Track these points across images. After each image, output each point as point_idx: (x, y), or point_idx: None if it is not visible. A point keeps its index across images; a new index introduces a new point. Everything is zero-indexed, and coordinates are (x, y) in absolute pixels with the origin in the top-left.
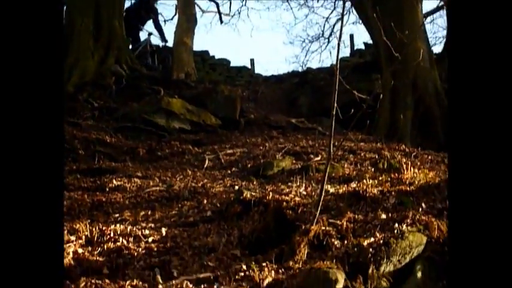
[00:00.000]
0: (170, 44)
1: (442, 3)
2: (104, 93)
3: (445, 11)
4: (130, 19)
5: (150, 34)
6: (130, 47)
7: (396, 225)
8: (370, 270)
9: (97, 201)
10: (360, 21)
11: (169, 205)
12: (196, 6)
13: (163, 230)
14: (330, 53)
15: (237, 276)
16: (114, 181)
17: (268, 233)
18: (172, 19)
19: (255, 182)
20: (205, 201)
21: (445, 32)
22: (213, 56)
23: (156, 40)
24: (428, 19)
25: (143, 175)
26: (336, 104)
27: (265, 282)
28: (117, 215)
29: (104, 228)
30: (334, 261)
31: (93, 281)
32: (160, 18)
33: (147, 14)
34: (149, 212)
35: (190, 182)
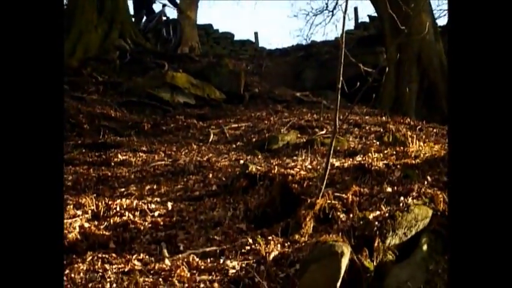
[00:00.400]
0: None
1: None
2: (108, 67)
3: None
4: None
5: (164, 6)
6: (144, 19)
7: (402, 198)
8: (375, 243)
9: (102, 176)
10: None
11: (174, 179)
12: None
13: (169, 204)
14: (335, 26)
15: (243, 250)
16: (120, 155)
17: (274, 207)
18: None
19: (260, 156)
20: (210, 176)
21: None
22: (217, 30)
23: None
24: None
25: (148, 149)
26: (341, 78)
27: (271, 255)
28: (122, 190)
29: (109, 202)
30: (340, 234)
31: (99, 255)
32: None
33: None
34: (155, 186)
35: (195, 156)
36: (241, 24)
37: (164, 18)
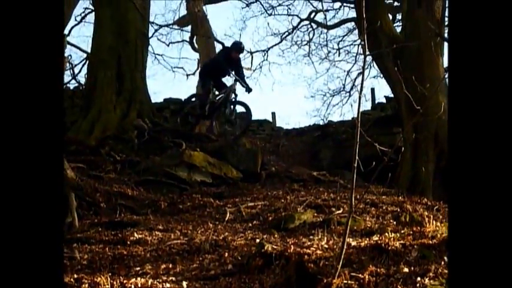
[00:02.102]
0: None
1: None
2: (126, 146)
3: None
4: (212, 69)
5: (236, 81)
6: (216, 93)
7: (418, 278)
8: None
9: (118, 255)
10: (381, 75)
11: (190, 258)
12: None
13: (185, 284)
14: (351, 106)
15: None
16: (136, 234)
17: (290, 286)
18: (194, 74)
19: (276, 235)
20: (226, 254)
21: None
22: (235, 110)
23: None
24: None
25: (164, 228)
26: (357, 157)
27: None
28: (138, 268)
29: (125, 281)
30: None
31: None
32: (182, 72)
33: (228, 64)
34: (170, 265)
35: (211, 234)
36: (259, 104)
37: (233, 96)
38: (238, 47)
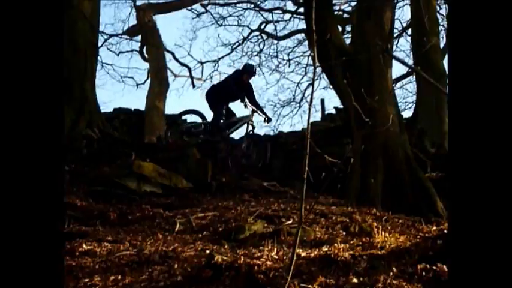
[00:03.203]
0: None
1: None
2: (75, 156)
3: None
4: (222, 93)
5: (253, 112)
6: (218, 120)
7: None
8: None
9: (66, 266)
10: (331, 86)
11: (139, 269)
12: (168, 70)
13: None
14: (301, 117)
15: None
16: (84, 245)
17: None
18: (144, 83)
19: (226, 246)
20: (176, 266)
21: (414, 97)
22: (185, 120)
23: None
24: (398, 84)
25: (113, 239)
26: (307, 168)
27: None
28: (86, 280)
29: None
30: None
31: None
32: (131, 82)
33: (240, 89)
34: (119, 277)
35: (161, 245)
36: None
37: (250, 128)
38: (249, 70)
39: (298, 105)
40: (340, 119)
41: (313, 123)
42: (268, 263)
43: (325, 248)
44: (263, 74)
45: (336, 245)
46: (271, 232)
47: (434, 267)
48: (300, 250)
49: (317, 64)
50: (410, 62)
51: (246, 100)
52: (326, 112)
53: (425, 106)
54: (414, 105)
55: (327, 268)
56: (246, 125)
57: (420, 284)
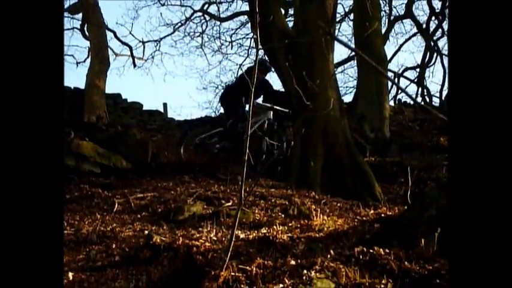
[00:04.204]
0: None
1: (352, 53)
2: None
3: (355, 62)
4: (233, 96)
5: (270, 108)
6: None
7: (305, 271)
8: None
9: None
10: (273, 70)
11: (77, 249)
12: (109, 49)
13: (70, 275)
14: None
15: None
16: None
17: (178, 278)
18: (84, 61)
19: (165, 227)
20: (113, 246)
21: (355, 82)
22: (126, 99)
23: None
24: (339, 69)
25: None
26: (247, 150)
27: None
28: None
29: None
30: None
31: None
32: (71, 60)
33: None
34: None
35: (99, 225)
36: (150, 94)
37: (266, 127)
38: (262, 67)
39: None
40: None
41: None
42: (207, 244)
43: (264, 230)
44: (205, 55)
45: (274, 227)
46: (211, 213)
47: (371, 250)
48: (239, 232)
49: (259, 46)
50: (352, 46)
51: (254, 101)
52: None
53: (366, 91)
54: (355, 90)
55: (265, 250)
56: (264, 124)
57: (357, 266)
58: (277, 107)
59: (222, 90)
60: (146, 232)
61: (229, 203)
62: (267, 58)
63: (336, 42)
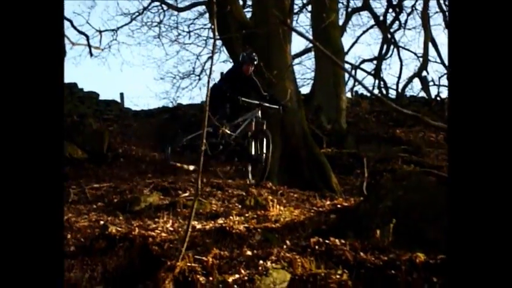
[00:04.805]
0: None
1: (310, 45)
2: None
3: (313, 53)
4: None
5: (258, 105)
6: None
7: (261, 262)
8: None
9: None
10: (231, 60)
11: None
12: (65, 38)
13: None
14: (201, 89)
15: None
16: None
17: (133, 269)
18: None
19: (121, 217)
20: (69, 236)
21: (312, 74)
22: (82, 89)
23: None
24: (297, 60)
25: None
26: (204, 141)
27: None
28: None
29: None
30: None
31: None
32: None
33: (243, 84)
34: None
35: None
36: (107, 84)
37: (254, 128)
38: (247, 59)
39: (198, 77)
40: None
41: None
42: (163, 234)
43: (220, 221)
44: (163, 45)
45: (231, 217)
46: (167, 204)
47: (327, 241)
48: (196, 222)
49: (217, 36)
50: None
51: (242, 98)
52: None
53: (323, 83)
54: (312, 81)
55: (222, 240)
56: (252, 123)
57: (313, 257)
58: (267, 104)
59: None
60: (102, 222)
61: (186, 194)
62: (224, 48)
63: (293, 34)
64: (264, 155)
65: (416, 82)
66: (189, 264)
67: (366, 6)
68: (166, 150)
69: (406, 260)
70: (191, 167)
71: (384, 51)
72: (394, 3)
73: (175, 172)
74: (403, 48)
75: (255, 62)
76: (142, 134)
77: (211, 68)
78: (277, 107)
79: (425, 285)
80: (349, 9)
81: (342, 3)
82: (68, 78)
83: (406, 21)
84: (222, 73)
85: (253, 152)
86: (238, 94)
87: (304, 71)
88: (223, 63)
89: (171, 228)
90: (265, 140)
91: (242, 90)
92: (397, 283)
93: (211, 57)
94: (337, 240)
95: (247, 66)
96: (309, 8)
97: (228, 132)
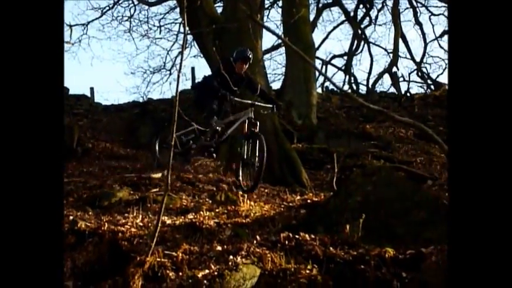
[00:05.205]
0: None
1: (280, 41)
2: None
3: (283, 48)
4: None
5: (252, 105)
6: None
7: (231, 257)
8: None
9: None
10: (201, 55)
11: None
12: None
13: None
14: (171, 84)
15: None
16: None
17: (103, 264)
18: None
19: (90, 213)
20: None
21: (283, 69)
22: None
23: None
24: (268, 56)
25: None
26: (174, 135)
27: None
28: None
29: None
30: None
31: None
32: None
33: (234, 83)
34: None
35: None
36: (77, 79)
37: (247, 129)
38: (240, 56)
39: (168, 72)
40: None
41: (183, 92)
42: (133, 230)
43: (190, 216)
44: (133, 39)
45: (201, 213)
46: (137, 199)
47: (297, 236)
48: (166, 217)
49: (188, 31)
50: (281, 33)
51: (231, 97)
52: (196, 80)
53: (294, 78)
54: (283, 77)
55: (192, 236)
56: (244, 124)
57: (283, 252)
58: (260, 103)
59: (199, 80)
60: (71, 218)
61: (156, 189)
62: (195, 43)
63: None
64: (257, 158)
65: (387, 78)
66: (158, 259)
67: (337, 1)
68: (153, 147)
69: (375, 255)
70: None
71: (354, 46)
72: None
73: (145, 167)
74: (374, 44)
75: (250, 60)
76: (113, 129)
77: (181, 63)
78: (270, 106)
79: (394, 280)
80: (320, 5)
81: None
82: None
83: (376, 17)
84: (217, 68)
85: (245, 155)
86: (230, 92)
87: (275, 66)
88: (194, 58)
89: (141, 224)
90: (258, 142)
91: (234, 89)
92: (366, 278)
93: (181, 52)
94: (307, 235)
95: (240, 65)
96: (280, 3)
97: (219, 130)
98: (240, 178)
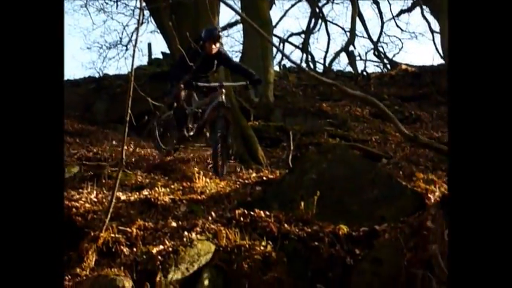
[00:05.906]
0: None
1: (238, 17)
2: None
3: (241, 25)
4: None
5: (222, 87)
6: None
7: (186, 233)
8: (157, 278)
9: None
10: (158, 30)
11: None
12: None
13: None
14: (126, 59)
15: None
16: None
17: None
18: None
19: None
20: None
21: (241, 47)
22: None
23: None
24: (225, 32)
25: None
26: (129, 111)
27: None
28: None
29: None
30: (122, 268)
31: None
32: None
33: (205, 65)
34: None
35: None
36: None
37: (215, 102)
38: (206, 35)
39: (125, 48)
40: (167, 64)
41: (139, 67)
42: (87, 205)
43: (145, 192)
44: (89, 14)
45: (156, 189)
46: (92, 175)
47: (252, 213)
48: (120, 193)
49: (144, 6)
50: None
51: (195, 83)
52: (153, 56)
53: (251, 55)
54: (240, 54)
55: (147, 211)
56: (214, 106)
57: (237, 228)
58: (231, 83)
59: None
60: None
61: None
62: (152, 18)
63: (222, 5)
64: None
65: (344, 57)
66: (112, 235)
67: None
68: (153, 132)
69: (329, 232)
70: None
71: (312, 25)
72: None
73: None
74: (331, 22)
75: (220, 39)
76: (68, 104)
77: (137, 38)
78: (244, 83)
79: (347, 256)
80: None
81: None
82: None
83: None
84: (181, 56)
85: (219, 142)
86: (201, 75)
87: (233, 43)
88: (151, 34)
89: (95, 199)
90: (227, 129)
91: (206, 71)
92: (320, 255)
93: (137, 28)
94: (262, 212)
95: (209, 45)
96: None
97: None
98: (219, 163)
